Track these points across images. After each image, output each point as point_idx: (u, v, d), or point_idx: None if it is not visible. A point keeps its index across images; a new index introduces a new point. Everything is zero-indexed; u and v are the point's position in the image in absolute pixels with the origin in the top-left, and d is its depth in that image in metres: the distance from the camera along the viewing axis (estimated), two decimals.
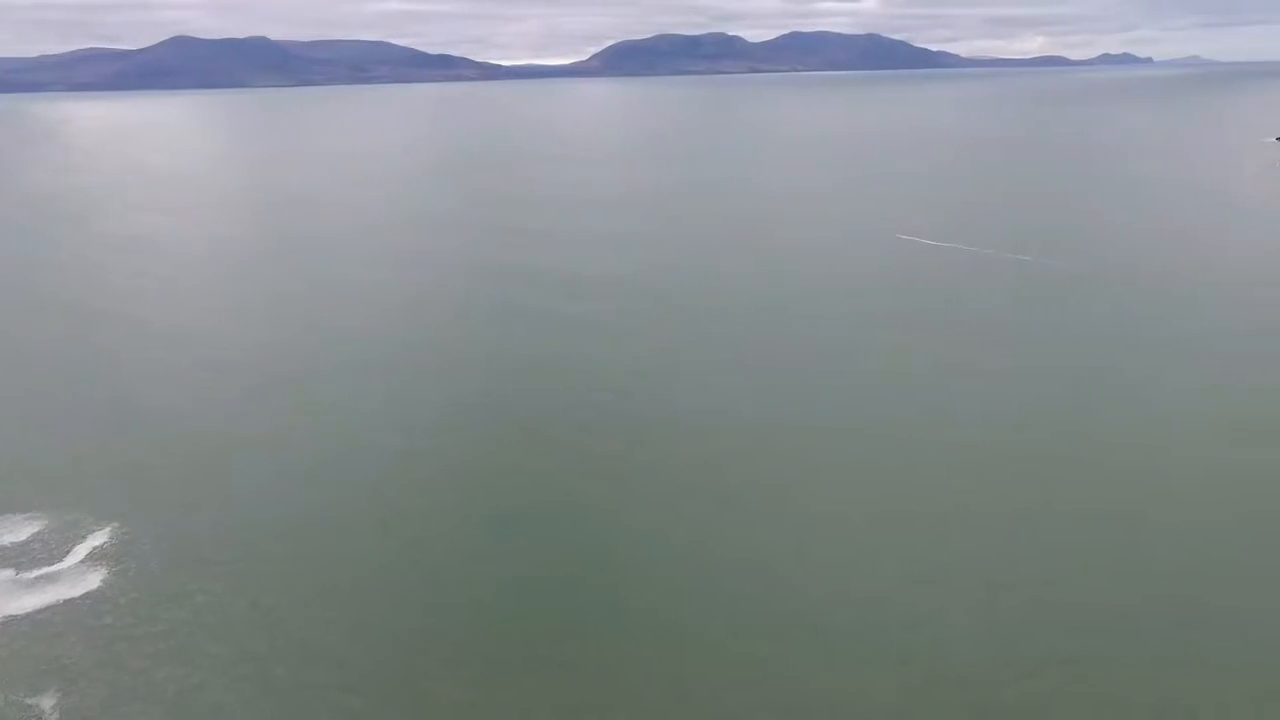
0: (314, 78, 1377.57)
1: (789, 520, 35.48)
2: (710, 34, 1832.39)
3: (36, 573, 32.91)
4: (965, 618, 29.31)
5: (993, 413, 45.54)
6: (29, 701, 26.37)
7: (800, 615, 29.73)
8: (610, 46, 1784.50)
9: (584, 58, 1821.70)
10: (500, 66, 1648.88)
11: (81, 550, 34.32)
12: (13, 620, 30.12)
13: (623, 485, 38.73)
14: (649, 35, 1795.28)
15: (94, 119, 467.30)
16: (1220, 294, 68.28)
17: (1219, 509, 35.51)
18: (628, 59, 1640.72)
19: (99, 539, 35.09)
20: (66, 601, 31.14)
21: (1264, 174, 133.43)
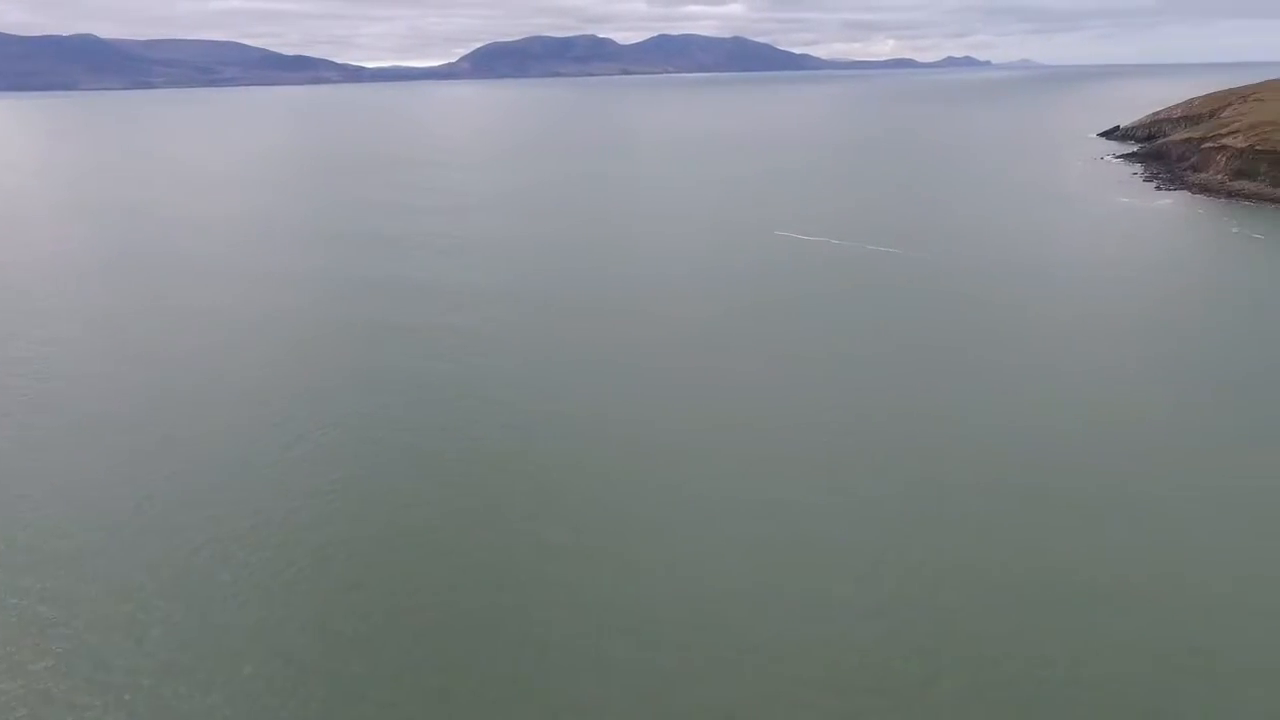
0: (154, 80, 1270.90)
1: (679, 519, 35.51)
2: (581, 36, 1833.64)
3: None
4: (858, 601, 30.20)
5: (872, 397, 47.48)
6: None
7: (702, 619, 29.73)
8: (479, 48, 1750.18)
9: (452, 60, 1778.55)
10: (364, 69, 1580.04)
11: None
12: None
13: (512, 497, 37.63)
14: (519, 37, 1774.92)
15: None
16: (1063, 279, 74.53)
17: (1077, 480, 38.39)
18: (498, 61, 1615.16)
19: None
20: None
21: (1090, 167, 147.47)
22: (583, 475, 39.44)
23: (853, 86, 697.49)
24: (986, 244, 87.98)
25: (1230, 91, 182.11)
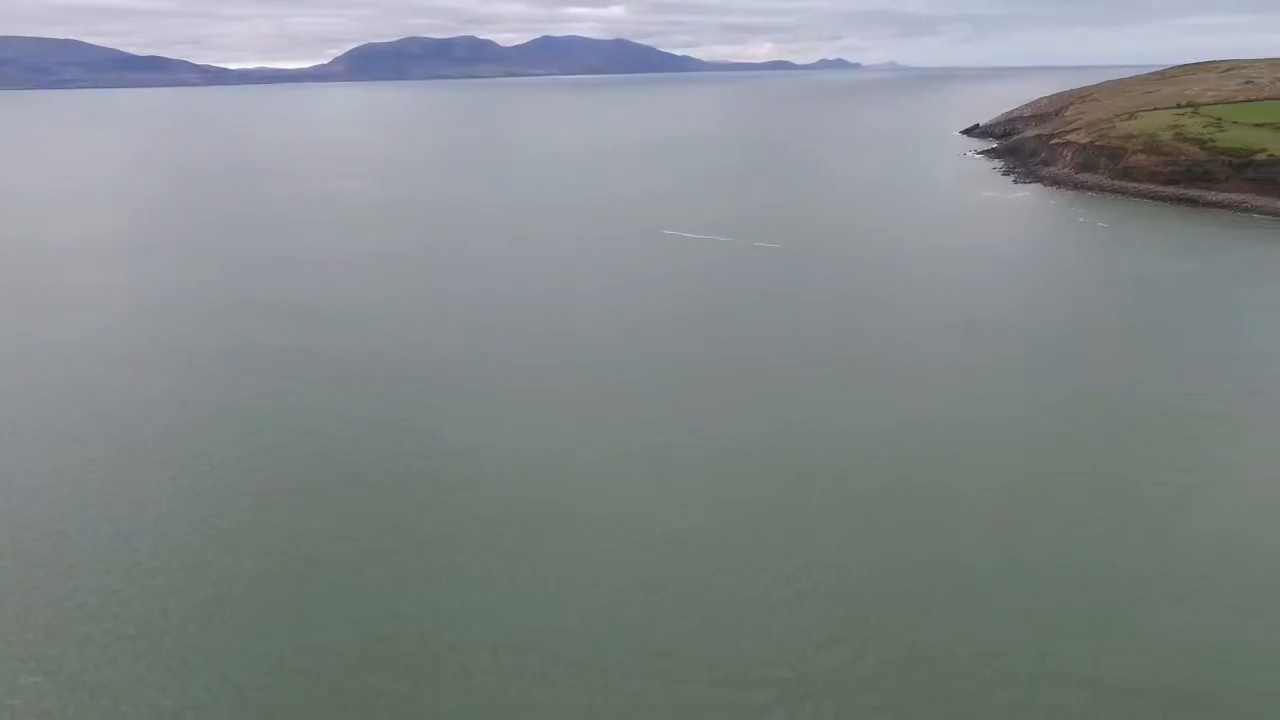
0: None
1: (575, 527, 35.36)
2: (461, 37, 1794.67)
3: None
4: (764, 597, 30.93)
5: (758, 390, 48.76)
6: None
7: (611, 628, 29.67)
8: (353, 49, 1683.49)
9: (325, 61, 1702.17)
10: (228, 70, 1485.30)
11: None
12: None
13: (408, 522, 36.41)
14: (396, 38, 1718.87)
15: None
16: (935, 269, 79.13)
17: (957, 465, 40.73)
18: (374, 62, 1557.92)
19: None
20: None
21: (955, 163, 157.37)
22: (473, 493, 38.55)
23: (733, 88, 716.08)
24: (865, 238, 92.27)
25: (1071, 92, 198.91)
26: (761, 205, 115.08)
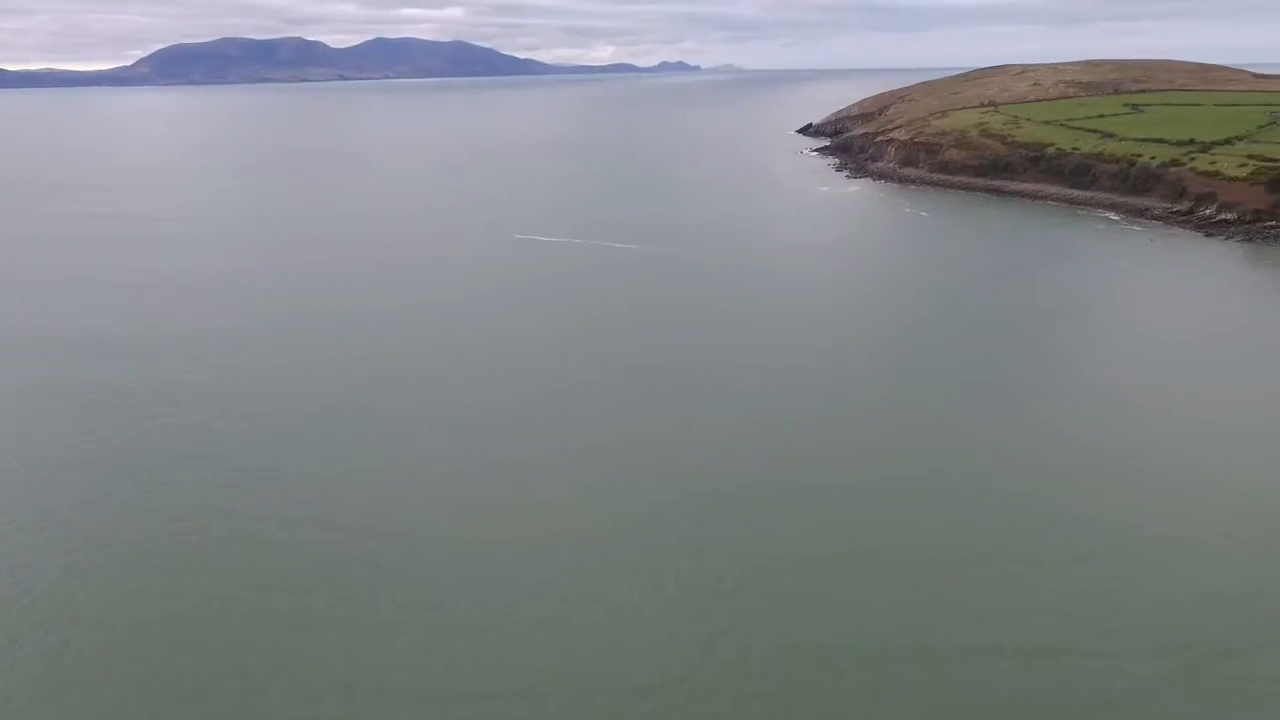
0: None
1: (423, 562, 33.84)
2: (287, 38, 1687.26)
3: None
4: (648, 604, 30.72)
5: (631, 384, 48.80)
6: None
7: (468, 658, 28.49)
8: (161, 50, 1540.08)
9: (128, 62, 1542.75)
10: (6, 72, 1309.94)
11: None
12: None
13: (254, 569, 33.41)
14: (211, 38, 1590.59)
15: None
16: (781, 260, 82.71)
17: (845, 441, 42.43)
18: (186, 64, 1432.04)
19: None
20: None
21: (793, 160, 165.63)
22: (318, 526, 35.97)
23: (576, 90, 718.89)
24: (716, 234, 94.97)
25: (891, 93, 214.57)
26: (612, 207, 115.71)
